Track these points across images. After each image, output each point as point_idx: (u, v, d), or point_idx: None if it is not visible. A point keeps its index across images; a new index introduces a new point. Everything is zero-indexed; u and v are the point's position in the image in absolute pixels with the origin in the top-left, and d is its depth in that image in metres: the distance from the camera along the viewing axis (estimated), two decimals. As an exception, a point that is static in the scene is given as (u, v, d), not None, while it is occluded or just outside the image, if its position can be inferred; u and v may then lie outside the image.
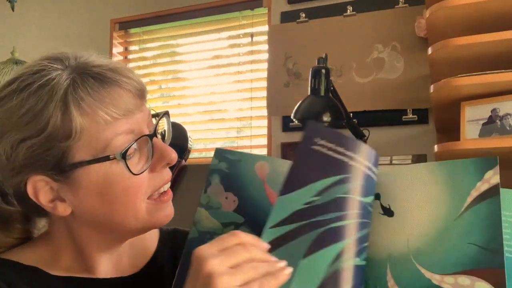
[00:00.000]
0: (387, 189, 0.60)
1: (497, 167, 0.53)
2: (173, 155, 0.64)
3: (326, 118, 1.64)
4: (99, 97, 0.59)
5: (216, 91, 2.69)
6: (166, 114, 0.69)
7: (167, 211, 0.66)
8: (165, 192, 0.66)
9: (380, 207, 0.60)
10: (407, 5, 2.17)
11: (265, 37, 2.48)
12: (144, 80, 2.87)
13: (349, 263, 0.52)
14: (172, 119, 0.73)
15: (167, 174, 0.66)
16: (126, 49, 2.94)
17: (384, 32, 2.19)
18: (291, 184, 0.54)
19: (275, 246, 0.52)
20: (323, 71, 1.66)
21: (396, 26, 2.17)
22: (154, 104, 2.83)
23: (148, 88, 2.99)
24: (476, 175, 0.55)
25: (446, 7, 1.47)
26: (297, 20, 2.37)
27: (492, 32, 1.40)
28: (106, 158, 0.59)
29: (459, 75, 1.43)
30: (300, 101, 1.71)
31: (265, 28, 2.49)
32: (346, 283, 0.52)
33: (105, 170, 0.60)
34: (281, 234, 0.52)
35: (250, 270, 0.49)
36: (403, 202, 0.58)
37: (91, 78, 0.60)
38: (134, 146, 0.61)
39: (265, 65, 2.45)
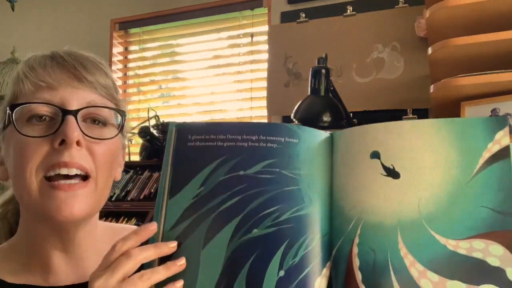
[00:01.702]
0: (387, 148, 0.55)
1: (507, 128, 0.52)
2: (69, 132, 0.60)
3: (326, 118, 1.64)
4: (37, 69, 0.64)
5: (216, 91, 2.69)
6: (112, 109, 0.67)
7: (57, 203, 0.60)
8: (62, 177, 0.61)
9: (382, 167, 0.55)
10: (407, 5, 2.17)
11: (265, 37, 2.47)
12: (144, 80, 2.87)
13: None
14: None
15: (68, 156, 0.60)
16: (126, 49, 2.93)
17: (384, 32, 2.19)
18: (175, 185, 0.57)
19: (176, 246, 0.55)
20: (323, 71, 1.67)
21: (396, 26, 2.17)
22: (154, 104, 2.82)
23: (148, 88, 2.99)
24: (486, 135, 0.52)
25: (446, 7, 1.47)
26: (297, 20, 2.37)
27: (492, 32, 1.40)
28: (9, 116, 0.63)
29: (459, 75, 1.43)
30: (300, 101, 1.71)
31: (265, 28, 2.49)
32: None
33: (13, 133, 0.64)
34: (179, 233, 0.55)
35: (142, 277, 0.52)
36: (409, 163, 0.54)
37: (50, 57, 0.65)
38: (41, 112, 0.62)
39: (265, 65, 2.45)
